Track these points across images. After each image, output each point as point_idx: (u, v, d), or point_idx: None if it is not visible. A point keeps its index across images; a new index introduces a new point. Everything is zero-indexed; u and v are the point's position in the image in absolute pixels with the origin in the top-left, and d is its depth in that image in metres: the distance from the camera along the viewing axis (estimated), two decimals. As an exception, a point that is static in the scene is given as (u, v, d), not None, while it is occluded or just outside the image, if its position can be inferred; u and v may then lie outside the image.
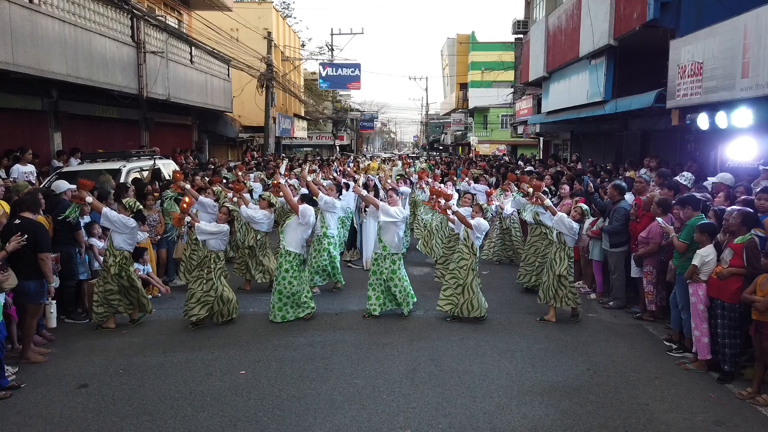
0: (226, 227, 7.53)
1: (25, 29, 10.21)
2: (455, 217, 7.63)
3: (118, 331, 7.10)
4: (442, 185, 11.36)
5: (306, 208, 7.57)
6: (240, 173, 13.23)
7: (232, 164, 17.82)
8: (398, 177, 12.96)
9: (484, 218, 7.89)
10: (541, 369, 6.00)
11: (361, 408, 5.07)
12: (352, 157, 25.46)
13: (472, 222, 7.44)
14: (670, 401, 5.30)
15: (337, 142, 47.25)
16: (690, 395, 5.41)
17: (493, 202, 10.57)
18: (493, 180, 14.90)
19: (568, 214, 7.70)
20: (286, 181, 10.51)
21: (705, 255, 5.70)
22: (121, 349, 6.49)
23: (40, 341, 6.54)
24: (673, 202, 7.09)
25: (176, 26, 19.80)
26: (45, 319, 6.69)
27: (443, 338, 6.90)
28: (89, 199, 6.87)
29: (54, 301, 6.65)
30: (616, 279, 8.10)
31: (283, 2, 40.24)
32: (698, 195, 6.85)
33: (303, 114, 38.81)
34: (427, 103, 65.60)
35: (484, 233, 7.68)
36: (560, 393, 5.43)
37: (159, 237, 9.01)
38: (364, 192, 7.44)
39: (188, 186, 8.80)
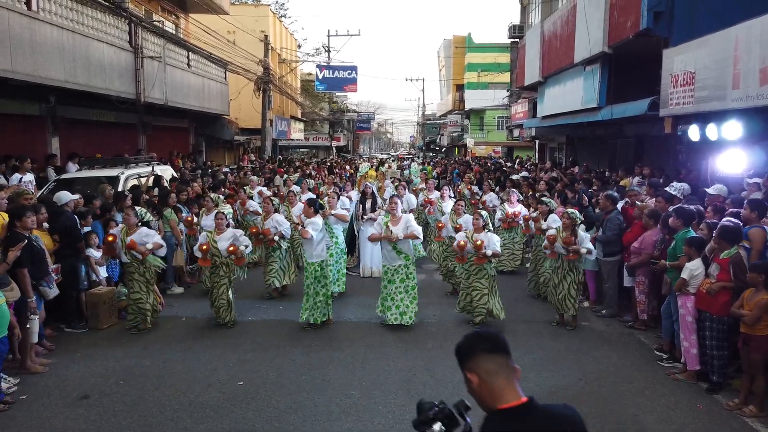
0: (242, 235, 7.83)
1: (23, 36, 10.28)
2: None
3: (118, 341, 7.18)
4: (437, 193, 11.43)
5: (310, 224, 7.61)
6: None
7: (226, 169, 17.84)
8: (396, 184, 13.00)
9: (486, 223, 7.88)
10: (533, 379, 6.11)
11: (357, 420, 5.17)
12: (347, 166, 25.46)
13: (490, 252, 7.47)
14: (659, 412, 5.42)
15: (334, 143, 47.34)
16: (679, 406, 5.53)
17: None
18: (490, 182, 14.98)
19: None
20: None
21: (694, 268, 5.83)
22: (120, 359, 6.58)
23: (40, 351, 6.62)
24: (667, 213, 7.21)
25: (173, 30, 19.85)
26: (28, 333, 6.62)
27: (438, 347, 7.00)
28: (149, 246, 7.47)
29: (35, 317, 6.26)
30: (609, 288, 8.23)
31: (277, 1, 40.32)
32: (691, 207, 6.96)
33: (300, 116, 38.87)
34: (424, 104, 65.64)
35: (498, 243, 7.77)
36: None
37: None
38: (401, 235, 7.53)
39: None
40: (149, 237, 7.48)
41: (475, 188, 13.70)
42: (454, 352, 2.20)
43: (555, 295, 7.81)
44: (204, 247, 7.68)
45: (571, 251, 7.50)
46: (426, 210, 11.47)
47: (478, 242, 7.42)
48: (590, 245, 7.59)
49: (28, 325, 6.14)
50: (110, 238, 7.26)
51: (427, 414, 2.14)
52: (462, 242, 7.54)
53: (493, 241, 7.56)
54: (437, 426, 2.11)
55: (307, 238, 7.49)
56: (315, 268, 7.59)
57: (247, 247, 7.76)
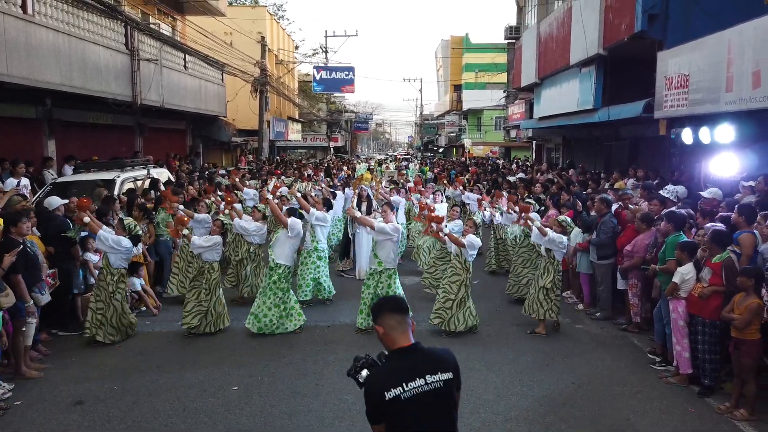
0: (218, 239, 7.74)
1: (19, 40, 10.27)
2: (447, 239, 7.72)
3: (113, 346, 7.19)
4: (431, 197, 11.44)
5: (294, 222, 7.74)
6: (237, 179, 13.28)
7: (222, 172, 17.86)
8: (391, 187, 13.03)
9: (477, 232, 7.98)
10: (527, 383, 6.14)
11: (351, 425, 5.20)
12: (344, 167, 25.46)
13: (465, 241, 7.52)
14: (651, 416, 5.45)
15: (332, 144, 47.36)
16: (671, 409, 5.56)
17: (485, 210, 10.72)
18: (485, 184, 15.05)
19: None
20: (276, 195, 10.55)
21: (685, 273, 5.86)
22: (115, 365, 6.60)
23: (35, 356, 6.64)
24: (658, 216, 7.25)
25: (170, 32, 19.85)
26: (24, 336, 6.64)
27: (432, 351, 7.01)
28: (87, 219, 7.04)
29: (33, 321, 6.36)
30: (603, 291, 8.26)
31: (274, 4, 40.34)
32: (681, 211, 6.99)
33: (297, 116, 38.87)
34: (422, 105, 65.77)
35: (477, 250, 7.77)
36: (545, 408, 5.58)
37: (146, 246, 9.03)
38: (358, 214, 7.53)
39: (181, 207, 8.87)
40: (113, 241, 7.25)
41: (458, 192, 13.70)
42: (370, 310, 3.07)
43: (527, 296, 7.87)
44: (186, 219, 7.95)
45: (525, 217, 7.75)
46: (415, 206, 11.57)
47: (439, 216, 7.65)
48: (557, 243, 7.45)
49: (24, 328, 6.19)
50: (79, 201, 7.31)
51: (356, 364, 2.85)
52: (432, 214, 7.67)
53: (470, 239, 7.54)
54: (364, 372, 2.81)
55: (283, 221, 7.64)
56: (281, 270, 7.60)
57: (187, 237, 7.76)
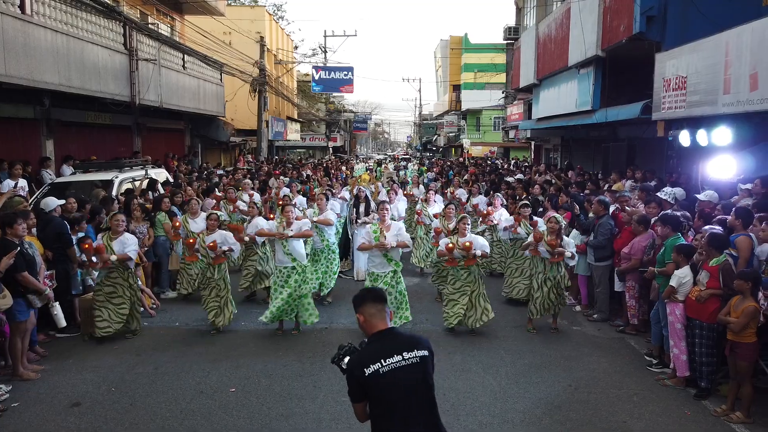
0: (230, 236, 7.83)
1: (17, 40, 10.26)
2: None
3: (110, 347, 7.20)
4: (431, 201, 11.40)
5: (303, 224, 7.76)
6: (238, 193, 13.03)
7: (220, 172, 17.82)
8: (388, 189, 13.00)
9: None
10: (524, 385, 6.14)
11: (347, 427, 5.20)
12: (343, 167, 25.43)
13: (478, 252, 7.47)
14: (647, 419, 5.46)
15: (330, 144, 47.33)
16: (667, 412, 5.57)
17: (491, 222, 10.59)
18: (484, 185, 15.01)
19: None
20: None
21: (682, 276, 5.87)
22: (112, 366, 6.59)
23: (32, 358, 6.64)
24: (654, 219, 7.27)
25: (169, 32, 19.84)
26: (55, 322, 6.77)
27: (430, 353, 7.02)
28: (114, 257, 7.20)
29: (57, 303, 6.64)
30: (601, 292, 8.27)
31: (273, 4, 40.33)
32: (677, 213, 7.01)
33: (296, 116, 38.86)
34: (420, 105, 65.77)
35: (486, 245, 7.77)
36: (542, 410, 5.59)
37: (146, 248, 9.03)
38: (393, 243, 7.42)
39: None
40: (127, 246, 7.33)
41: (460, 191, 13.62)
42: (352, 301, 3.27)
43: (533, 300, 7.82)
44: (191, 240, 7.79)
45: (556, 253, 7.54)
46: (415, 219, 11.55)
47: (467, 243, 7.46)
48: (574, 250, 7.63)
49: (55, 312, 6.50)
50: (85, 246, 7.13)
51: (339, 352, 3.10)
52: (450, 245, 7.57)
53: (479, 243, 7.56)
54: (347, 359, 3.06)
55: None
56: (308, 269, 7.70)
57: (231, 250, 7.72)
